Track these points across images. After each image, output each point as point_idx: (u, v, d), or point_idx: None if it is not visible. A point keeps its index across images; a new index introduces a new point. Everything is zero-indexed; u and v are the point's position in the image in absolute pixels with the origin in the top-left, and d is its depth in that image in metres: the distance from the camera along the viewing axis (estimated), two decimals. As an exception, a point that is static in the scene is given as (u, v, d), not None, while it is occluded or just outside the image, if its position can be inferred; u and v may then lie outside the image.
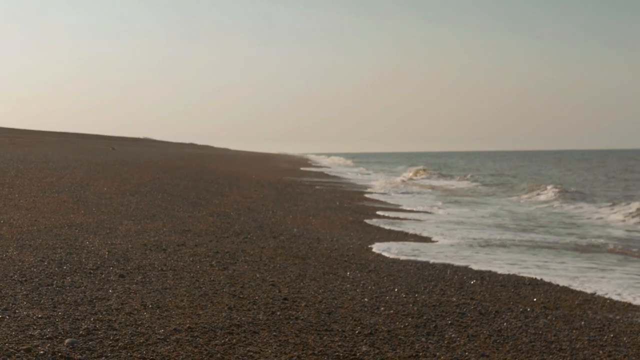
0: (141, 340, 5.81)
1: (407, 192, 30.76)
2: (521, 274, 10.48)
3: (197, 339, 6.00)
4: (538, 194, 31.48)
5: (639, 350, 6.68)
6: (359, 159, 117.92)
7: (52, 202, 14.65)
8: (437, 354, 6.12)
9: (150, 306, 6.93)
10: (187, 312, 6.84)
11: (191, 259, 9.65)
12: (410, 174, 43.05)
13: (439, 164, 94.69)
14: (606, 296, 9.31)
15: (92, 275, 8.11)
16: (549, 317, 7.77)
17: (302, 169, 56.06)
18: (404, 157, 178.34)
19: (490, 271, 10.61)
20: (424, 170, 56.66)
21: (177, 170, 30.94)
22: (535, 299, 8.73)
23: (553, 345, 6.65)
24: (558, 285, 9.84)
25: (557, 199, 28.81)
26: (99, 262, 8.84)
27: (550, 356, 6.31)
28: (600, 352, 6.56)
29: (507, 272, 10.57)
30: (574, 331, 7.25)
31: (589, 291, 9.54)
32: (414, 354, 6.05)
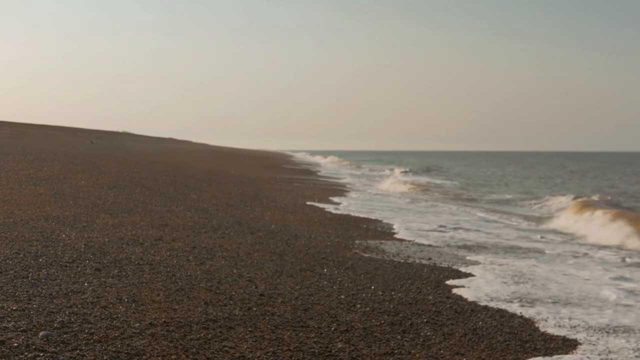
0: (116, 334, 5.79)
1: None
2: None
3: (173, 333, 5.99)
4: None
5: (612, 350, 6.72)
6: (348, 157, 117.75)
7: (29, 194, 14.56)
8: (413, 351, 6.14)
9: (126, 300, 6.91)
10: (163, 306, 6.83)
11: (168, 253, 9.62)
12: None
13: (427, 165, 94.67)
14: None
15: (67, 268, 8.07)
16: (524, 317, 7.81)
17: (282, 166, 56.01)
18: (390, 155, 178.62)
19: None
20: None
21: (155, 165, 30.83)
22: (511, 298, 8.77)
23: (528, 344, 6.68)
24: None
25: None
26: (75, 256, 8.80)
27: (525, 355, 6.34)
28: (573, 350, 6.59)
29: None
30: (548, 330, 7.28)
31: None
32: (389, 351, 6.06)
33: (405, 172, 60.62)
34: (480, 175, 58.88)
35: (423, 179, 47.86)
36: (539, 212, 25.43)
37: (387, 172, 58.16)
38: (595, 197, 28.20)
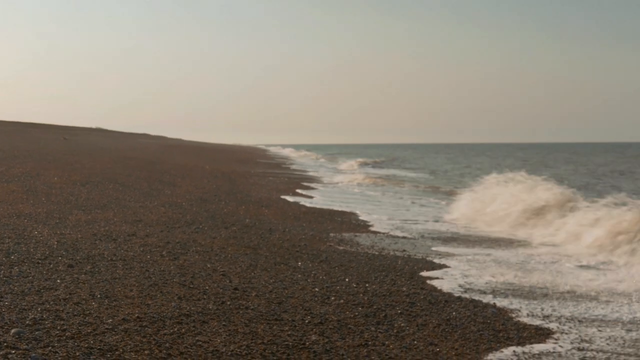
0: (89, 330, 5.76)
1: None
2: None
3: (146, 328, 5.97)
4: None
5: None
6: (318, 151, 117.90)
7: (0, 191, 14.46)
8: (386, 342, 6.15)
9: (98, 296, 6.89)
10: (136, 302, 6.81)
11: (141, 249, 9.59)
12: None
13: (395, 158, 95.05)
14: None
15: (40, 265, 8.03)
16: (497, 307, 7.85)
17: (257, 160, 55.94)
18: (363, 148, 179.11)
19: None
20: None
21: (129, 161, 30.71)
22: (484, 289, 8.81)
23: (501, 334, 6.72)
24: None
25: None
26: (47, 252, 8.75)
27: (498, 344, 6.38)
28: (547, 339, 6.64)
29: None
30: (521, 320, 7.33)
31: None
32: (363, 343, 6.08)
33: (376, 164, 60.99)
34: (451, 167, 59.22)
35: (393, 172, 48.00)
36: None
37: (358, 165, 58.19)
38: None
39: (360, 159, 69.15)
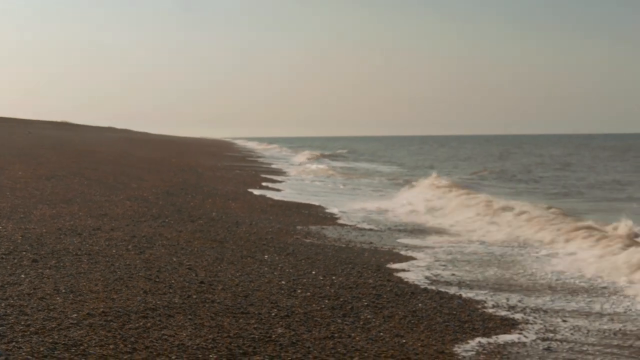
0: (53, 325, 5.72)
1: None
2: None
3: (111, 323, 5.94)
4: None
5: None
6: (284, 143, 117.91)
7: (-36, 186, 14.32)
8: (353, 334, 6.17)
9: (63, 291, 6.84)
10: (102, 296, 6.77)
11: (107, 243, 9.53)
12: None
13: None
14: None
15: (3, 260, 7.96)
16: (463, 298, 7.90)
17: (224, 153, 55.78)
18: (333, 141, 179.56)
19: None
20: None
21: (95, 154, 30.52)
22: (450, 280, 8.86)
23: (466, 325, 6.76)
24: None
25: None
26: (11, 247, 8.68)
27: (464, 335, 6.42)
28: (512, 329, 6.70)
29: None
30: (487, 311, 7.37)
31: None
32: (329, 335, 6.09)
33: (337, 156, 61.34)
34: (420, 159, 59.63)
35: (363, 165, 48.12)
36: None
37: (327, 158, 58.29)
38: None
39: (326, 152, 69.41)
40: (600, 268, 9.84)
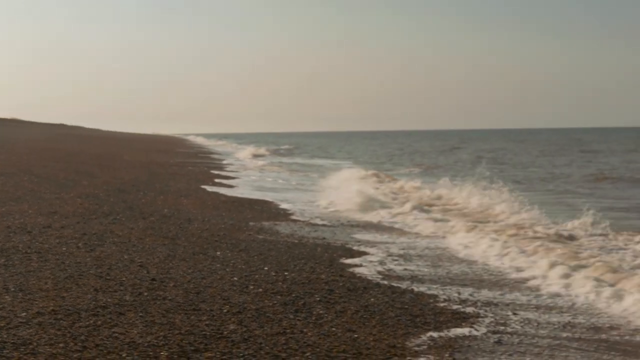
0: (2, 324, 5.66)
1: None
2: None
3: (61, 321, 5.89)
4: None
5: (500, 322, 6.89)
6: (244, 140, 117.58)
7: None
8: (305, 330, 6.17)
9: (12, 289, 6.77)
10: (51, 294, 6.70)
11: (57, 241, 9.44)
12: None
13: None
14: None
15: (-49, 259, 7.85)
16: (415, 292, 7.94)
17: (177, 150, 55.45)
18: (288, 137, 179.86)
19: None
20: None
21: (45, 152, 30.20)
22: (402, 275, 8.91)
23: (418, 319, 6.79)
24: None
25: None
26: (-41, 246, 8.56)
27: (416, 329, 6.45)
28: (463, 323, 6.75)
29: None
30: (438, 305, 7.42)
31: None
32: (281, 331, 6.09)
33: (289, 151, 61.59)
34: (377, 154, 60.05)
35: (314, 161, 48.17)
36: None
37: (278, 154, 58.31)
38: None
39: (273, 147, 69.63)
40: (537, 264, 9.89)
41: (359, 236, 12.20)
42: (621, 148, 65.19)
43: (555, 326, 6.86)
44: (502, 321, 6.94)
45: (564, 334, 6.60)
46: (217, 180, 23.66)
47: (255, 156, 50.92)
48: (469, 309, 7.32)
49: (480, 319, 6.96)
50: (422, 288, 8.22)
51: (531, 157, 51.66)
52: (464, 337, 6.36)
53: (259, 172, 30.95)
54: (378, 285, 8.20)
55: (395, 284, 8.32)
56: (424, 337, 6.25)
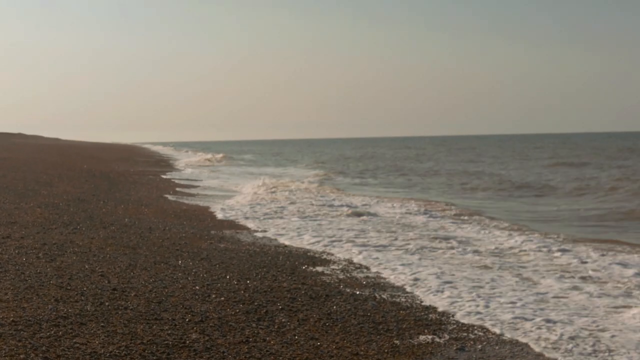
0: (-39, 336, 5.60)
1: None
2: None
3: (21, 332, 5.84)
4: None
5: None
6: (207, 148, 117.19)
7: None
8: (267, 338, 6.17)
9: (-29, 300, 6.69)
10: (11, 305, 6.64)
11: (17, 251, 9.35)
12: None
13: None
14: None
15: None
16: (377, 300, 7.97)
17: (137, 158, 55.13)
18: (251, 145, 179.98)
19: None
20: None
21: (3, 161, 29.90)
22: (364, 282, 8.93)
23: (380, 326, 6.82)
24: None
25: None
26: None
27: (378, 337, 6.48)
28: (425, 330, 6.78)
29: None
30: (401, 312, 7.45)
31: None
32: (244, 340, 6.09)
33: (250, 160, 61.86)
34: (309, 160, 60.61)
35: (288, 170, 48.16)
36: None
37: (238, 163, 58.24)
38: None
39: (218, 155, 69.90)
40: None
41: (322, 244, 12.19)
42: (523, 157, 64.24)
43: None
44: (465, 328, 6.98)
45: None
46: (178, 189, 23.57)
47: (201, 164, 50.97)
48: (432, 316, 7.34)
49: (443, 326, 7.00)
50: (385, 295, 8.23)
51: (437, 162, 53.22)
52: (427, 343, 6.41)
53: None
54: (340, 293, 8.21)
55: (357, 292, 8.31)
56: (386, 345, 6.27)
